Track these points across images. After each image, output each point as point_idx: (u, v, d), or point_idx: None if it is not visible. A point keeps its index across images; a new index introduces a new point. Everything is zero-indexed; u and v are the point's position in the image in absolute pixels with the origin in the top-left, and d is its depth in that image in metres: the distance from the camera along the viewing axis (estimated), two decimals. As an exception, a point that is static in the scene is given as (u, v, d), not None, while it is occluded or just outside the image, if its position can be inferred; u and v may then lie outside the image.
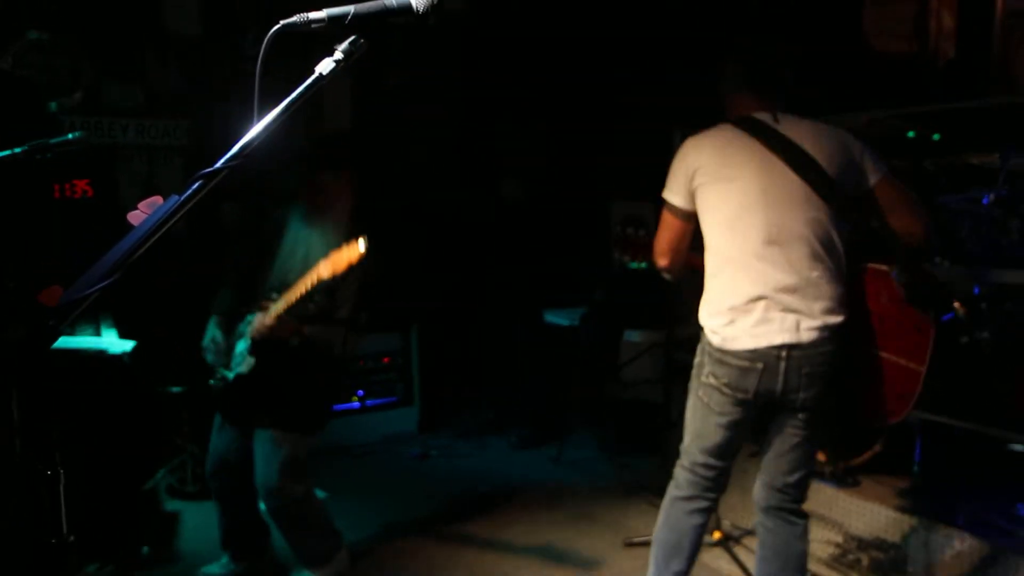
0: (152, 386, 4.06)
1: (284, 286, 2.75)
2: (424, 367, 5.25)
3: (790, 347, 2.35)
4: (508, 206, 5.06)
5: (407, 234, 5.01)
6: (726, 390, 2.43)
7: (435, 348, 5.32)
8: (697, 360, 2.54)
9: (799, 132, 2.42)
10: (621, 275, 4.82)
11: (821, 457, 4.00)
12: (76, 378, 3.28)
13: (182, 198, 1.17)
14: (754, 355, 2.36)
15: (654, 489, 4.14)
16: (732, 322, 2.38)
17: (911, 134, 3.73)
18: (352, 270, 2.74)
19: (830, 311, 2.37)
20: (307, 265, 2.72)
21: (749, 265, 2.37)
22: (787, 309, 2.35)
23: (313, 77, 1.24)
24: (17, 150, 2.61)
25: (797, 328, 2.34)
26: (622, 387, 5.62)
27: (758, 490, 2.66)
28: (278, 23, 1.23)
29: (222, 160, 1.19)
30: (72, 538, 1.16)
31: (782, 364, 2.36)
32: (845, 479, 3.71)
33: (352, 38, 1.26)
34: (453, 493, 4.34)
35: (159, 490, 4.19)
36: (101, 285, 1.14)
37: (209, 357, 3.06)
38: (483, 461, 4.86)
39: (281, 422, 3.00)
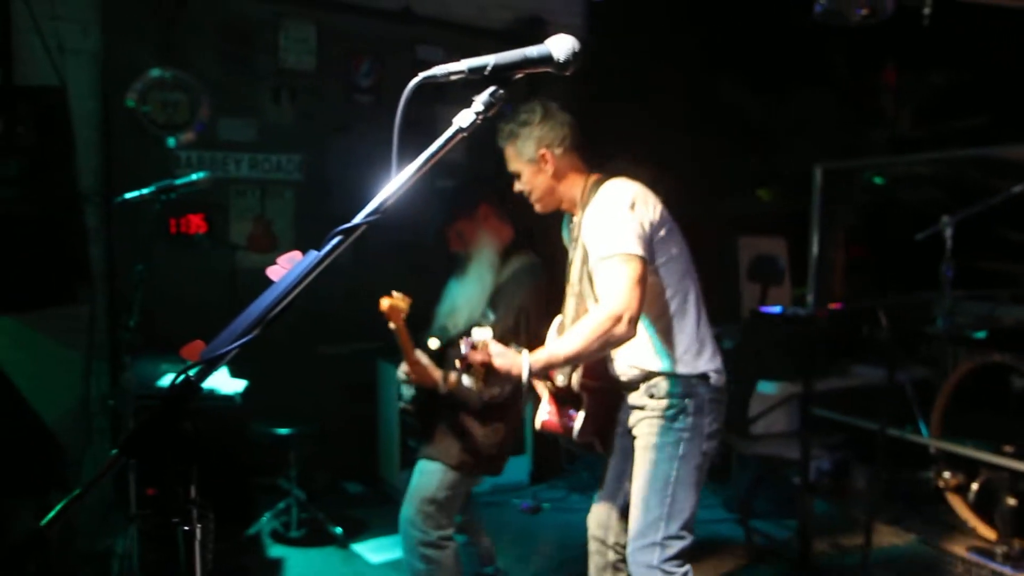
0: (260, 427, 4.23)
1: (439, 330, 3.11)
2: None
3: None
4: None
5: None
6: (720, 431, 2.58)
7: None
8: (691, 422, 2.49)
9: None
10: (754, 319, 4.72)
11: (992, 535, 3.77)
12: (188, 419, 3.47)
13: (321, 254, 1.24)
14: (726, 387, 2.61)
15: (791, 559, 4.00)
16: (716, 355, 2.58)
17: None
18: (500, 308, 3.01)
19: None
20: (452, 310, 2.98)
21: (700, 305, 2.59)
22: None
23: (452, 130, 1.29)
24: (145, 191, 2.83)
25: None
26: (751, 442, 5.48)
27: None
28: (418, 75, 1.29)
29: (361, 215, 1.25)
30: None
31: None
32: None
33: (491, 89, 1.31)
34: (566, 551, 4.31)
35: (263, 535, 4.35)
36: (242, 341, 1.22)
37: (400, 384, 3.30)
38: (598, 518, 4.81)
39: (427, 452, 3.12)
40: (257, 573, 4.01)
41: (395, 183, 1.27)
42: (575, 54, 1.34)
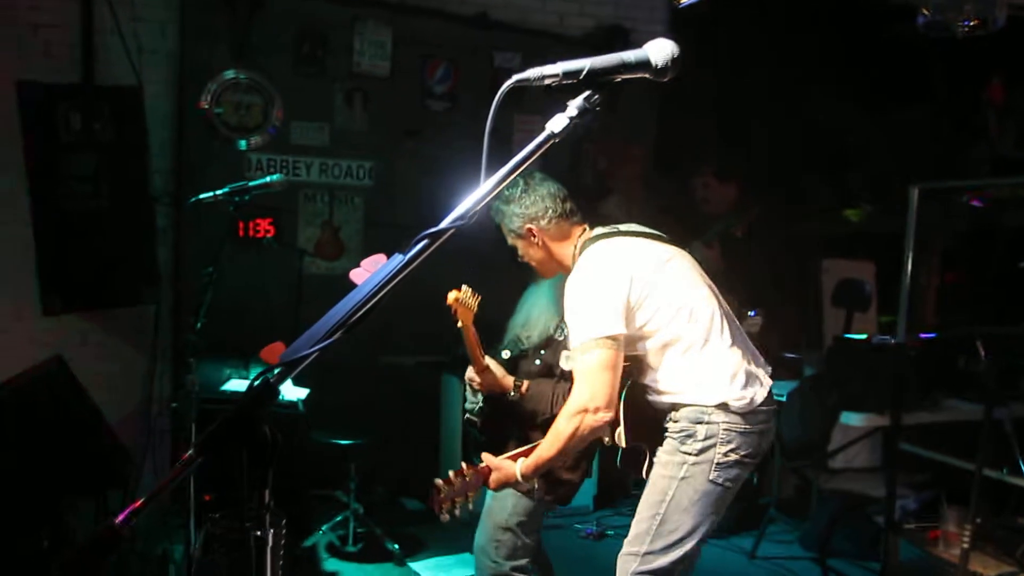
0: (320, 437, 4.29)
1: (511, 342, 3.11)
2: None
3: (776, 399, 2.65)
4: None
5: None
6: (748, 460, 2.53)
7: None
8: (698, 448, 2.49)
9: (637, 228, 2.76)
10: (838, 347, 4.61)
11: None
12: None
13: (406, 257, 1.25)
14: (768, 413, 2.57)
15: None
16: (747, 384, 2.53)
17: None
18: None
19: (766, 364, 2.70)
20: (526, 322, 3.03)
21: (718, 335, 2.56)
22: (755, 365, 2.61)
23: (544, 135, 1.29)
24: (219, 192, 2.91)
25: (765, 380, 2.61)
26: (830, 476, 5.34)
27: None
28: (511, 78, 1.29)
29: (449, 219, 1.25)
30: (277, 604, 1.24)
31: (774, 420, 2.63)
32: None
33: (586, 94, 1.30)
34: (630, 582, 4.26)
35: (319, 548, 4.40)
36: (323, 344, 1.23)
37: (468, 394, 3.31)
38: (665, 548, 4.74)
39: None
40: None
41: (483, 189, 1.27)
42: (674, 59, 1.33)
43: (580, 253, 2.70)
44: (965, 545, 3.56)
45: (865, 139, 5.93)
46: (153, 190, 4.72)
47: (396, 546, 4.34)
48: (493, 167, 1.29)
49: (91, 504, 3.79)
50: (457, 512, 2.63)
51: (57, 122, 4.24)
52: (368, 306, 1.25)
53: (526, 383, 3.02)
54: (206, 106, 4.91)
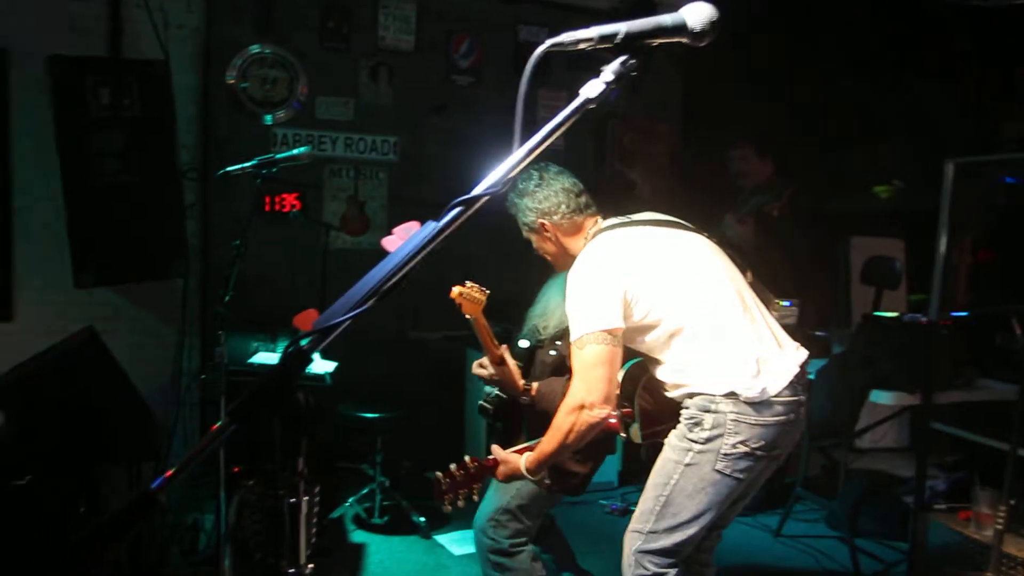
0: (347, 410, 4.31)
1: (529, 331, 3.10)
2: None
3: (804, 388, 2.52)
4: (730, 242, 4.94)
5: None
6: (761, 453, 2.45)
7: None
8: (705, 436, 2.44)
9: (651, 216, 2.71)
10: (867, 324, 4.56)
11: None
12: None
13: (440, 224, 1.23)
14: (789, 405, 2.46)
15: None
16: (760, 373, 2.44)
17: None
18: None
19: (798, 347, 2.61)
20: (544, 312, 3.03)
21: (728, 322, 2.49)
22: (777, 354, 2.50)
23: (579, 101, 1.26)
24: (247, 164, 2.91)
25: (787, 370, 2.49)
26: (857, 455, 5.30)
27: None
28: (546, 42, 1.27)
29: (482, 187, 1.23)
30: (311, 567, 1.24)
31: (802, 410, 2.52)
32: None
33: (623, 58, 1.28)
34: (655, 558, 4.26)
35: (346, 519, 4.44)
36: (355, 313, 1.22)
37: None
38: (689, 524, 4.74)
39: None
40: (340, 557, 4.09)
41: (516, 155, 1.25)
42: (712, 24, 1.30)
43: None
44: (999, 526, 3.52)
45: (896, 115, 5.84)
46: (180, 164, 4.73)
47: (422, 519, 4.37)
48: (524, 136, 1.27)
49: (123, 476, 3.85)
50: (460, 503, 2.63)
51: (87, 97, 4.24)
52: (401, 274, 1.24)
53: (535, 386, 3.00)
54: (232, 80, 4.91)
